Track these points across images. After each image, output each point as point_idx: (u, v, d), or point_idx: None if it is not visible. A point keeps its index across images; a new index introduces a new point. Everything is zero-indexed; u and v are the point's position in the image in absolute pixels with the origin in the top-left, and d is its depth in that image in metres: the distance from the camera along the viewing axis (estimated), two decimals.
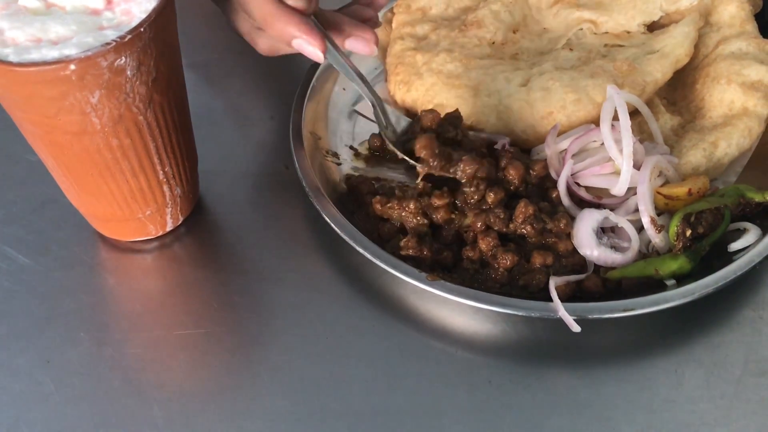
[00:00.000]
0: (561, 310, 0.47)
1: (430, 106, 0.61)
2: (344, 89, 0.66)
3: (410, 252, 0.51)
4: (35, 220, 0.58)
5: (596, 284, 0.50)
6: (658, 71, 0.60)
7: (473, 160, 0.52)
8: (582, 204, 0.54)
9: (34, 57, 0.43)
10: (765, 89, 0.58)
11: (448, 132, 0.56)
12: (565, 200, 0.54)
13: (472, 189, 0.52)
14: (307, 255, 0.55)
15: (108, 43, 0.43)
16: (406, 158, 0.55)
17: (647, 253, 0.52)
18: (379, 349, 0.50)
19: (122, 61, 0.44)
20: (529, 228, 0.51)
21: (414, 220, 0.52)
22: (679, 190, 0.52)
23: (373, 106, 0.58)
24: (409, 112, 0.64)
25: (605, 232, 0.52)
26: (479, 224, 0.52)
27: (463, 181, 0.53)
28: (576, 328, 0.47)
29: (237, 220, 0.58)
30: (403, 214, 0.53)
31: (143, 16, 0.45)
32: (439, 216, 0.53)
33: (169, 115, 0.50)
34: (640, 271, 0.50)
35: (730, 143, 0.56)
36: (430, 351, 0.49)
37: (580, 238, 0.51)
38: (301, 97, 0.62)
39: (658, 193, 0.52)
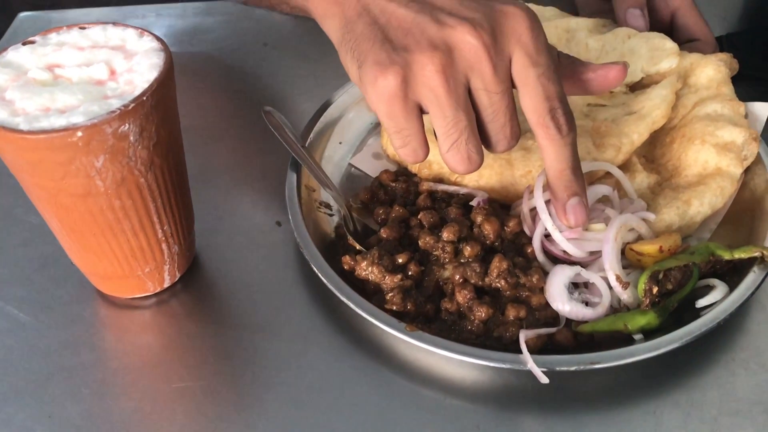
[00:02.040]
0: (530, 362, 0.49)
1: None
2: (340, 143, 0.70)
3: (394, 307, 0.53)
4: (37, 279, 0.60)
5: (567, 338, 0.52)
6: (635, 132, 0.62)
7: (453, 227, 0.56)
8: (556, 260, 0.56)
9: (43, 125, 0.45)
10: (737, 150, 0.61)
11: (400, 185, 0.62)
12: (540, 256, 0.56)
13: (443, 251, 0.56)
14: (299, 307, 0.57)
15: (113, 112, 0.46)
16: (361, 248, 0.58)
17: (618, 308, 0.54)
18: (371, 398, 0.51)
19: (126, 128, 0.47)
20: (503, 282, 0.54)
21: (385, 281, 0.54)
22: (650, 248, 0.54)
23: (344, 215, 0.61)
24: (399, 167, 0.67)
25: (578, 287, 0.55)
26: (457, 277, 0.54)
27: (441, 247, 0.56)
28: (544, 379, 0.49)
29: (232, 275, 0.60)
30: (371, 277, 0.55)
31: (145, 85, 0.48)
32: (411, 271, 0.55)
33: (168, 176, 0.52)
34: (610, 325, 0.51)
35: (703, 202, 0.58)
36: (419, 398, 0.51)
37: (552, 293, 0.53)
38: (293, 153, 0.65)
39: (631, 249, 0.55)
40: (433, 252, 0.56)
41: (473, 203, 0.59)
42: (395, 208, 0.60)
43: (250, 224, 0.65)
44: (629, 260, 0.55)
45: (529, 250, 0.57)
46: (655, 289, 0.52)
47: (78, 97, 0.47)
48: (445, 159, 0.51)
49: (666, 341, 0.49)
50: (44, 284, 0.59)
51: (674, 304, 0.52)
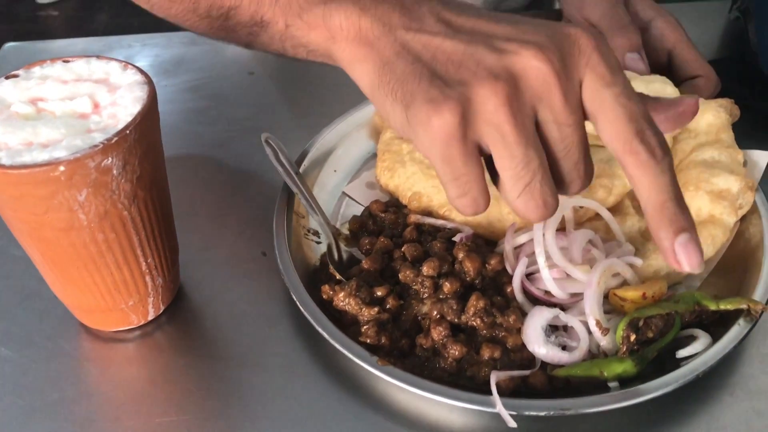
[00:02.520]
0: (498, 404, 0.48)
1: (409, 194, 0.65)
2: (335, 171, 0.70)
3: (368, 340, 0.53)
4: (19, 313, 0.59)
5: (542, 381, 0.51)
6: None
7: (433, 263, 0.56)
8: (536, 301, 0.56)
9: (25, 159, 0.45)
10: (732, 198, 0.60)
11: (389, 216, 0.63)
12: (519, 296, 0.56)
13: (423, 285, 0.55)
14: (284, 339, 0.57)
15: (96, 146, 0.46)
16: (341, 278, 0.58)
17: (596, 353, 0.53)
18: None
19: (109, 162, 0.47)
20: (479, 321, 0.53)
21: (362, 313, 0.54)
22: (634, 293, 0.53)
23: (330, 243, 0.61)
24: (391, 197, 0.67)
25: (556, 330, 0.54)
26: (434, 313, 0.54)
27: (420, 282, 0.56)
28: (512, 423, 0.48)
29: (216, 307, 0.60)
30: (348, 308, 0.54)
31: (129, 119, 0.48)
32: (389, 304, 0.55)
33: (152, 209, 0.52)
34: (586, 371, 0.51)
35: None
36: None
37: (529, 335, 0.53)
38: (288, 182, 0.65)
39: (614, 294, 0.54)
40: (412, 286, 0.56)
41: (456, 239, 0.59)
42: (380, 239, 0.60)
43: (235, 255, 0.64)
44: (612, 305, 0.55)
45: (509, 290, 0.56)
46: (633, 337, 0.51)
47: (61, 131, 0.47)
48: (516, 206, 0.44)
49: (641, 391, 0.49)
50: (27, 318, 0.59)
51: (654, 353, 0.51)
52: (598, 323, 0.52)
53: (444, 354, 0.53)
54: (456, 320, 0.54)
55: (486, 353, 0.52)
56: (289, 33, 0.51)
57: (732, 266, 0.59)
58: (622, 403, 0.48)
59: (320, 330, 0.53)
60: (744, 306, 0.53)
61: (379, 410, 0.52)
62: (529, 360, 0.53)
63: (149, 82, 0.51)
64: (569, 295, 0.55)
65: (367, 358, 0.51)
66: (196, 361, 0.56)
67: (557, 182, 0.45)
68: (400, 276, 0.56)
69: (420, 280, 0.56)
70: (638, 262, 0.57)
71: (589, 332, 0.53)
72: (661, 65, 0.77)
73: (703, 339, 0.52)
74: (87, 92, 0.51)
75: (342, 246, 0.62)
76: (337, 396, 0.53)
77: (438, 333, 0.53)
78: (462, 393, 0.49)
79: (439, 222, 0.62)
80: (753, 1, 0.80)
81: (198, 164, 0.75)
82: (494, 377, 0.50)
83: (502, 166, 0.43)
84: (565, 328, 0.54)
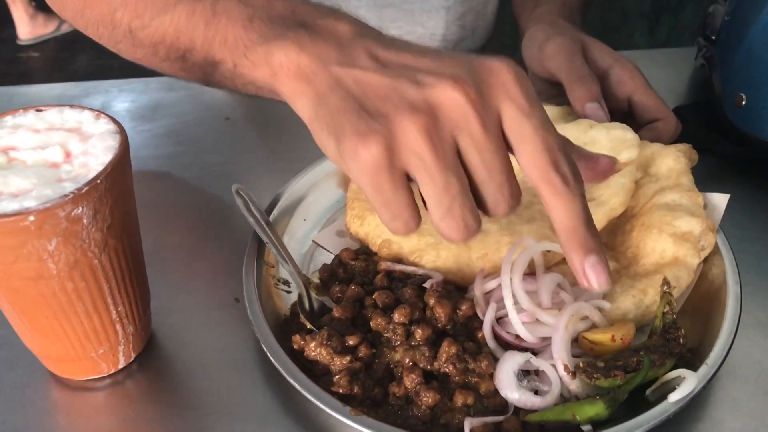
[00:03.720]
0: None
1: (379, 241, 0.65)
2: (305, 219, 0.71)
3: (341, 390, 0.52)
4: None
5: (515, 427, 0.51)
6: None
7: (404, 310, 0.56)
8: (509, 346, 0.56)
9: None
10: (694, 240, 0.61)
11: (360, 263, 0.63)
12: (491, 342, 0.56)
13: (395, 332, 0.56)
14: (256, 388, 0.57)
15: (66, 195, 0.46)
16: (312, 327, 0.58)
17: (568, 397, 0.53)
18: None
19: (79, 211, 0.47)
20: (451, 367, 0.53)
21: (333, 362, 0.54)
22: (603, 336, 0.54)
23: (301, 292, 0.61)
24: (361, 245, 0.68)
25: (528, 374, 0.54)
26: (407, 360, 0.54)
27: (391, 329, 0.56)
28: None
29: (188, 354, 0.60)
30: (319, 358, 0.54)
31: (100, 168, 0.48)
32: (362, 353, 0.55)
33: (123, 257, 0.52)
34: (558, 415, 0.51)
35: (659, 291, 0.58)
36: None
37: (501, 380, 0.53)
38: (259, 232, 0.65)
39: (584, 337, 0.55)
40: (384, 333, 0.56)
41: (426, 285, 0.59)
42: (351, 287, 0.60)
43: (207, 301, 0.64)
44: (582, 349, 0.55)
45: (480, 335, 0.56)
46: (598, 376, 0.51)
47: (32, 180, 0.47)
48: (440, 228, 0.47)
49: None
50: None
51: (624, 394, 0.51)
52: (565, 367, 0.52)
53: (417, 402, 0.52)
54: (428, 367, 0.54)
55: (459, 400, 0.52)
56: (238, 72, 0.56)
57: (697, 307, 0.60)
58: None
59: (291, 380, 0.52)
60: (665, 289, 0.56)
61: None
62: (503, 405, 0.53)
63: (121, 132, 0.52)
64: (539, 339, 0.55)
65: (339, 408, 0.50)
66: (167, 409, 0.55)
67: (483, 207, 0.48)
68: (372, 324, 0.56)
69: (392, 328, 0.56)
70: (606, 305, 0.57)
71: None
72: (622, 111, 0.78)
73: (690, 379, 0.51)
74: (59, 141, 0.51)
75: (313, 295, 0.62)
76: None
77: (411, 380, 0.53)
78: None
79: (410, 269, 0.62)
80: (716, 49, 0.82)
81: (171, 210, 0.75)
82: (468, 424, 0.50)
83: (426, 191, 0.46)
84: (537, 373, 0.54)
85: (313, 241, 0.70)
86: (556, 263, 0.63)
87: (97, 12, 0.64)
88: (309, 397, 0.51)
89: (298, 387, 0.52)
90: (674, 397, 0.50)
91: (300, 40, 0.50)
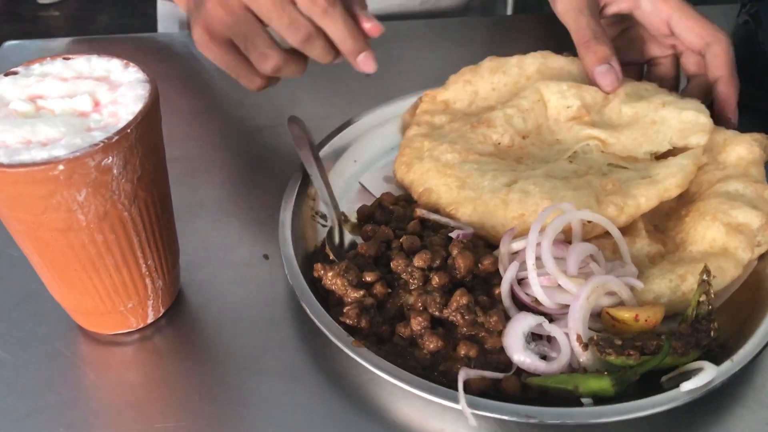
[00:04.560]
0: (462, 401, 0.47)
1: (421, 189, 0.65)
2: (355, 161, 0.71)
3: (347, 321, 0.52)
4: (16, 315, 0.58)
5: (514, 387, 0.50)
6: (643, 195, 0.59)
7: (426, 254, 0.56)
8: (523, 308, 0.54)
9: (23, 158, 0.44)
10: (750, 234, 0.57)
11: (399, 208, 0.63)
12: (506, 300, 0.54)
13: (412, 276, 0.55)
14: (285, 344, 0.56)
15: (95, 144, 0.45)
16: (334, 258, 0.60)
17: (576, 368, 0.51)
18: None
19: (109, 161, 0.46)
20: (459, 316, 0.53)
21: (347, 294, 0.54)
22: (626, 314, 0.52)
23: (333, 226, 0.62)
24: (405, 192, 0.68)
25: (540, 339, 0.52)
26: (418, 303, 0.54)
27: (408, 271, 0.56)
28: (472, 421, 0.47)
29: (217, 311, 0.59)
30: (334, 288, 0.55)
31: (129, 117, 0.47)
32: (377, 290, 0.54)
33: (152, 210, 0.51)
34: (561, 383, 0.49)
35: (698, 279, 0.54)
36: None
37: (509, 339, 0.51)
38: (305, 162, 0.66)
39: (606, 313, 0.52)
40: (402, 275, 0.56)
41: (453, 234, 0.58)
42: (382, 228, 0.60)
43: (236, 257, 0.63)
44: (604, 324, 0.53)
45: (497, 292, 0.55)
46: (610, 351, 0.49)
47: (60, 129, 0.46)
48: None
49: (611, 411, 0.47)
50: (24, 320, 0.58)
51: (635, 376, 0.49)
52: (578, 337, 0.51)
53: (420, 345, 0.52)
54: (437, 313, 0.53)
55: (462, 350, 0.51)
56: None
57: (741, 305, 0.56)
58: (589, 419, 0.47)
59: (303, 304, 0.53)
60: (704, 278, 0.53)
61: (380, 419, 0.51)
62: (506, 364, 0.52)
63: (151, 81, 0.50)
64: (558, 305, 0.53)
65: (343, 337, 0.51)
66: (195, 365, 0.55)
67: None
68: (392, 264, 0.56)
69: (410, 270, 0.55)
70: (638, 284, 0.54)
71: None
72: (663, 41, 0.74)
73: (708, 371, 0.48)
74: (87, 90, 0.50)
75: (345, 231, 0.62)
76: (338, 403, 0.52)
77: (417, 323, 0.52)
78: (424, 382, 0.49)
79: (444, 219, 0.61)
80: (762, 5, 0.79)
81: (200, 165, 0.74)
82: (463, 374, 0.49)
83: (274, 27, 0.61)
84: (549, 339, 0.52)
85: (360, 183, 0.69)
86: (596, 236, 0.60)
87: None
88: (316, 322, 0.52)
89: (307, 311, 0.52)
90: (687, 386, 0.48)
91: None
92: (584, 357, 0.51)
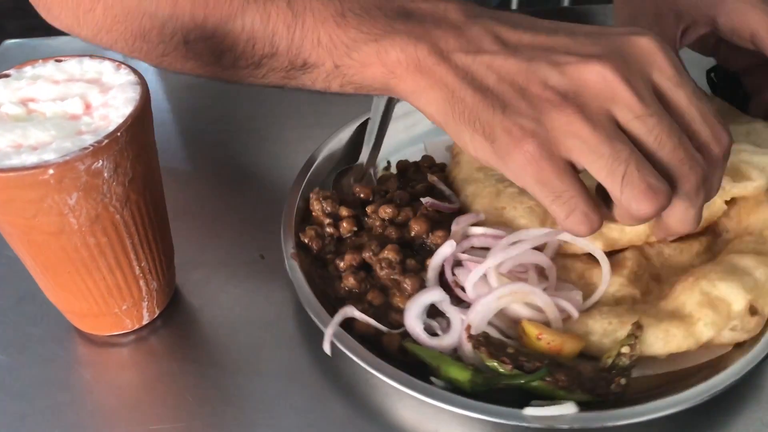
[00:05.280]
0: (331, 326, 0.51)
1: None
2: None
3: (303, 238, 0.58)
4: (12, 316, 0.58)
5: (392, 343, 0.52)
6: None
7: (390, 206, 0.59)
8: (447, 287, 0.55)
9: (14, 162, 0.44)
10: (725, 313, 0.50)
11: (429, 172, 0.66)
12: (431, 272, 0.55)
13: (374, 222, 0.59)
14: (280, 344, 0.56)
15: (86, 148, 0.45)
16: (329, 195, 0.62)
17: (458, 355, 0.51)
18: None
19: (99, 164, 0.46)
20: (379, 267, 0.56)
21: (318, 219, 0.60)
22: (532, 329, 0.50)
23: (361, 164, 0.65)
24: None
25: (440, 316, 0.53)
26: (359, 245, 0.58)
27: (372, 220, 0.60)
28: (326, 348, 0.50)
29: (213, 311, 0.59)
30: (311, 209, 0.60)
31: (120, 120, 0.47)
32: (344, 225, 0.59)
33: (145, 212, 0.51)
34: (429, 357, 0.50)
35: (644, 338, 0.50)
36: None
37: (411, 303, 0.53)
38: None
39: (521, 323, 0.51)
40: (368, 220, 0.60)
41: (423, 200, 0.60)
42: (395, 181, 0.63)
43: (232, 257, 0.63)
44: (518, 334, 0.52)
45: (427, 262, 0.56)
46: (483, 349, 0.49)
47: (51, 132, 0.46)
48: (625, 205, 0.43)
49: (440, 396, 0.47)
50: (19, 322, 0.58)
51: (500, 383, 0.48)
52: (468, 327, 0.50)
53: (343, 279, 0.56)
54: (367, 258, 0.56)
55: (370, 296, 0.54)
56: (339, 72, 0.51)
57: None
58: (418, 394, 0.47)
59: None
60: (624, 350, 0.49)
61: (377, 420, 0.51)
62: (400, 325, 0.53)
63: (142, 83, 0.50)
64: (477, 297, 0.53)
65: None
66: (191, 366, 0.55)
67: (666, 178, 0.44)
68: (367, 208, 0.60)
69: (374, 217, 0.59)
70: (574, 313, 0.52)
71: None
72: (748, 61, 0.65)
73: (566, 406, 0.46)
74: (78, 93, 0.50)
75: (371, 173, 0.65)
76: (334, 404, 0.52)
77: (347, 260, 0.57)
78: (320, 309, 0.52)
79: (449, 192, 0.63)
80: None
81: (195, 165, 0.74)
82: (349, 311, 0.52)
83: (595, 169, 0.43)
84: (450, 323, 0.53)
85: (423, 142, 0.71)
86: (571, 255, 0.57)
87: (135, 27, 0.55)
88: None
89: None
90: (531, 410, 0.46)
91: (412, 32, 0.47)
92: (467, 348, 0.50)
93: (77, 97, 0.49)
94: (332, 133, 0.70)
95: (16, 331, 0.57)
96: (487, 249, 0.56)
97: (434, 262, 0.56)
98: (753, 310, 0.50)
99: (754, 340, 0.50)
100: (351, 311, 0.52)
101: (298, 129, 0.78)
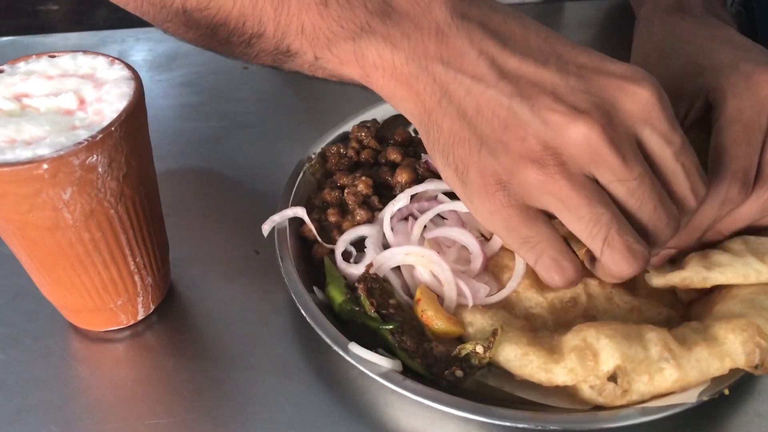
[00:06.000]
0: (278, 214, 0.58)
1: None
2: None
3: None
4: (7, 313, 0.58)
5: (318, 253, 0.58)
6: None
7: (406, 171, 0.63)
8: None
9: (8, 157, 0.44)
10: (590, 366, 0.47)
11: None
12: (383, 214, 0.59)
13: (381, 159, 0.65)
14: (275, 339, 0.56)
15: (80, 143, 0.45)
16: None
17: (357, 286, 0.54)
18: None
19: (94, 159, 0.46)
20: (347, 191, 0.61)
21: (332, 163, 0.65)
22: (418, 293, 0.52)
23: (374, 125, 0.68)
24: None
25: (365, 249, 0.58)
26: (344, 179, 0.63)
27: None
28: (265, 231, 0.58)
29: (208, 306, 0.59)
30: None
31: (114, 115, 0.47)
32: (363, 155, 0.65)
33: (140, 207, 0.51)
34: (330, 273, 0.56)
35: (504, 350, 0.49)
36: None
37: (349, 230, 0.59)
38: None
39: (420, 286, 0.53)
40: (379, 156, 0.65)
41: (423, 156, 0.64)
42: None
43: (227, 253, 0.63)
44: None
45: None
46: (362, 285, 0.52)
47: (45, 128, 0.46)
48: (606, 266, 0.42)
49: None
50: (14, 318, 0.58)
51: (358, 319, 0.52)
52: (369, 265, 0.55)
53: (322, 192, 0.63)
54: (345, 184, 0.62)
55: (330, 211, 0.60)
56: (320, 64, 0.49)
57: None
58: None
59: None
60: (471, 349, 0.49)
61: (370, 415, 0.51)
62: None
63: (136, 78, 0.50)
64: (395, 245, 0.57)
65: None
66: (186, 361, 0.55)
67: (644, 236, 0.43)
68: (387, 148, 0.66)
69: (383, 155, 0.65)
70: (468, 295, 0.53)
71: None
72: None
73: (389, 361, 0.49)
74: (72, 88, 0.50)
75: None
76: (328, 398, 0.52)
77: (336, 178, 0.63)
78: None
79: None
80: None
81: (190, 161, 0.74)
82: (300, 210, 0.59)
83: (576, 231, 0.42)
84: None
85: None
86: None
87: None
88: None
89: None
90: (356, 348, 0.49)
91: (390, 35, 0.44)
92: (353, 269, 0.56)
93: (71, 92, 0.49)
94: (329, 129, 0.70)
95: (12, 327, 0.57)
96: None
97: (388, 207, 0.59)
98: (613, 377, 0.47)
99: (612, 410, 0.47)
100: (302, 213, 0.59)
101: (293, 125, 0.78)
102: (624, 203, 0.42)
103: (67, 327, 0.57)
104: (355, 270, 0.56)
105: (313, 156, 0.65)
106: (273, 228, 0.59)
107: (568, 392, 0.48)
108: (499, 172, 0.42)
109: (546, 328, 0.53)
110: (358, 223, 0.60)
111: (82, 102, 0.49)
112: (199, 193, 0.70)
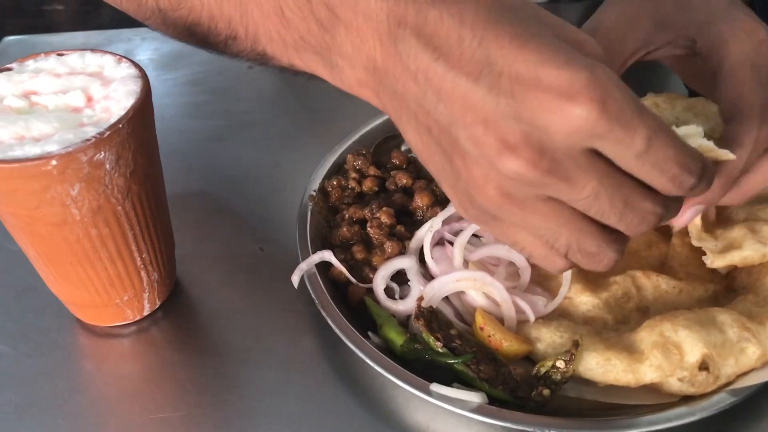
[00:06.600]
0: (306, 262, 0.55)
1: None
2: None
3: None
4: (15, 308, 0.59)
5: (355, 294, 0.56)
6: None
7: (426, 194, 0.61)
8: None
9: (17, 154, 0.45)
10: (676, 359, 0.48)
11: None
12: (414, 242, 0.58)
13: (391, 186, 0.64)
14: (281, 335, 0.57)
15: (88, 140, 0.45)
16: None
17: (407, 319, 0.54)
18: (353, 429, 0.50)
19: (101, 156, 0.46)
20: (370, 224, 0.59)
21: (350, 174, 0.64)
22: (478, 318, 0.51)
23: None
24: None
25: (407, 284, 0.56)
26: (367, 204, 0.61)
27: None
28: (294, 281, 0.55)
29: (213, 302, 0.60)
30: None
31: (122, 113, 0.48)
32: (367, 183, 0.64)
33: (146, 204, 0.52)
34: (377, 315, 0.53)
35: (585, 360, 0.49)
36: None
37: (386, 263, 0.56)
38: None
39: (476, 312, 0.52)
40: (387, 184, 0.64)
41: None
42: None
43: (232, 249, 0.64)
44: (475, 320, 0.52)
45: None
46: (422, 321, 0.50)
47: (53, 125, 0.47)
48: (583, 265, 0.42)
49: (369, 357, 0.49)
50: (22, 312, 0.58)
51: (426, 356, 0.50)
52: (420, 299, 0.53)
53: (339, 229, 0.60)
54: (366, 215, 0.60)
55: (355, 249, 0.58)
56: (295, 69, 0.48)
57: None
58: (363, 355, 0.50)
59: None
60: (557, 363, 0.48)
61: (375, 408, 0.52)
62: (370, 282, 0.56)
63: (143, 76, 0.51)
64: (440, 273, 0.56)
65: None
66: (191, 356, 0.56)
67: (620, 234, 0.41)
68: (393, 172, 0.65)
69: (391, 181, 0.64)
70: (531, 316, 0.52)
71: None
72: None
73: (474, 396, 0.47)
74: (80, 86, 0.50)
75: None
76: (332, 393, 0.53)
77: (350, 213, 0.61)
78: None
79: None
80: None
81: (196, 158, 0.74)
82: (327, 254, 0.56)
83: (536, 247, 0.42)
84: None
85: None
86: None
87: None
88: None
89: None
90: (436, 387, 0.48)
91: (342, 50, 0.42)
92: (402, 306, 0.54)
93: (79, 90, 0.50)
94: (332, 126, 0.71)
95: (19, 323, 0.58)
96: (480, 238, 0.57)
97: (419, 234, 0.58)
98: (703, 366, 0.47)
99: (703, 398, 0.48)
100: (329, 256, 0.56)
101: (299, 124, 0.78)
102: (586, 214, 0.40)
103: (74, 322, 0.58)
104: (403, 306, 0.54)
105: (314, 193, 0.62)
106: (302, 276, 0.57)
107: (650, 389, 0.49)
108: (462, 199, 0.41)
109: (608, 329, 0.53)
110: (390, 256, 0.57)
111: (89, 99, 0.50)
112: (204, 191, 0.71)
